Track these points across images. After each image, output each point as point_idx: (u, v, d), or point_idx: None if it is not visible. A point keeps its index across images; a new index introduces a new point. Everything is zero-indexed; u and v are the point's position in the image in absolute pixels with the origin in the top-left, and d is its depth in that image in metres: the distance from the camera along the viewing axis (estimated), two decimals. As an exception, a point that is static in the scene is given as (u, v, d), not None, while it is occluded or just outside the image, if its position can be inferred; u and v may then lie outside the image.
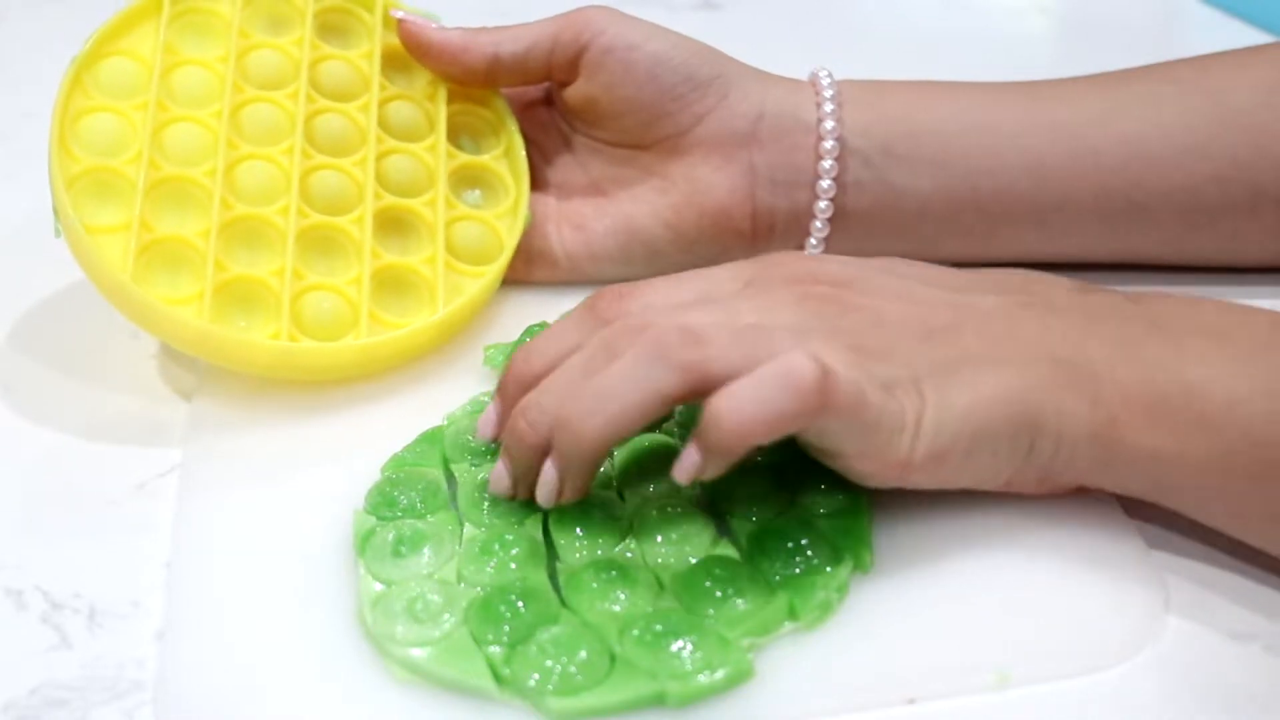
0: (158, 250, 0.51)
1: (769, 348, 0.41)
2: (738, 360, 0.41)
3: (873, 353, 0.43)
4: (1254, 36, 0.83)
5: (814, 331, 0.43)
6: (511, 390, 0.46)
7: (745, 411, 0.40)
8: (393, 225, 0.56)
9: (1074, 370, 0.44)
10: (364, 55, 0.58)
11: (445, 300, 0.54)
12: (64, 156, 0.51)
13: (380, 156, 0.56)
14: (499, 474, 0.46)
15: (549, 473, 0.44)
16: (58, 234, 0.51)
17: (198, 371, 0.54)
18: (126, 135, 0.53)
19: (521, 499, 0.46)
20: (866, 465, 0.43)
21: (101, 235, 0.51)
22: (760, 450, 0.49)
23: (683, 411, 0.49)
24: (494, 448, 0.49)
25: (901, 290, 0.46)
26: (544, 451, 0.44)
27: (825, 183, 0.57)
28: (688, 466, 0.41)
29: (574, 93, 0.58)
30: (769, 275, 0.46)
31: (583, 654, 0.41)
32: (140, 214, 0.51)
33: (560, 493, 0.44)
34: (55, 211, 0.51)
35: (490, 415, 0.47)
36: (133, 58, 0.55)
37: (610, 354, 0.43)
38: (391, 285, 0.54)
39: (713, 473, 0.42)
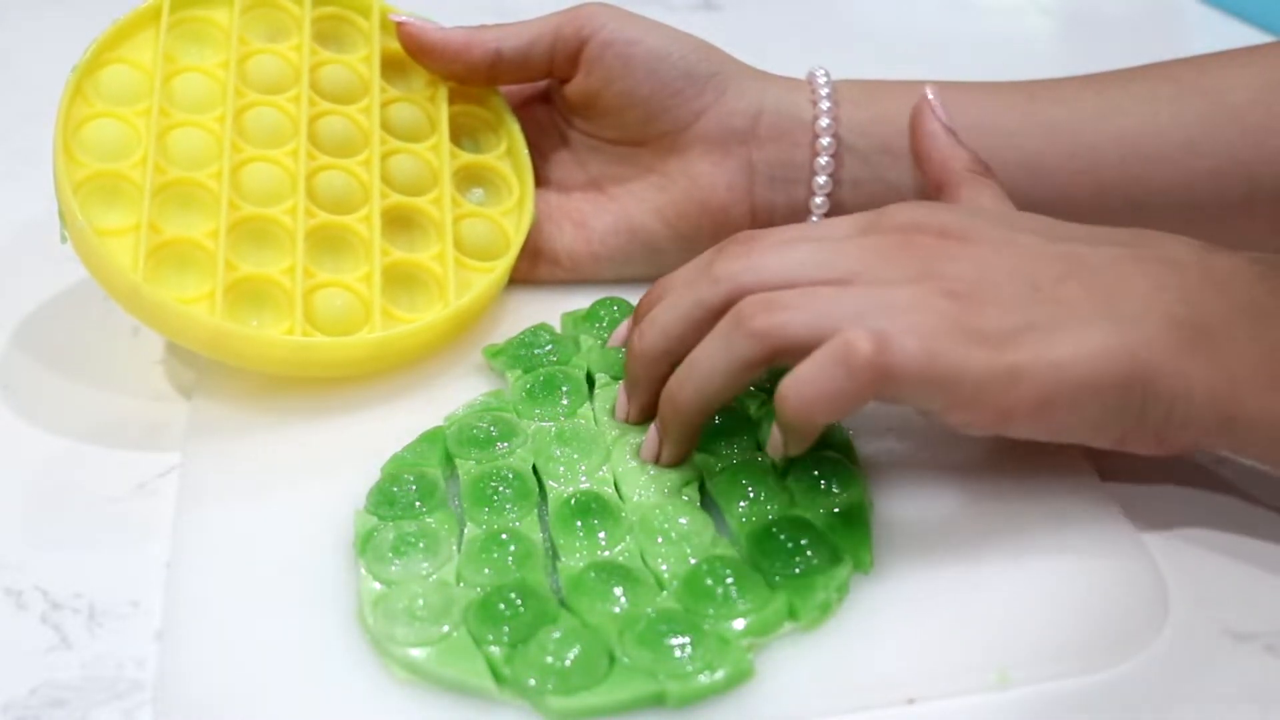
0: (167, 252, 0.51)
1: (842, 314, 0.42)
2: (811, 327, 0.43)
3: (971, 300, 0.43)
4: (1254, 36, 0.83)
5: (909, 282, 0.43)
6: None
7: (805, 394, 0.42)
8: (400, 223, 0.56)
9: (1190, 331, 0.43)
10: (363, 59, 0.58)
11: (456, 294, 0.54)
12: (69, 162, 0.51)
13: (384, 156, 0.56)
14: (620, 392, 0.50)
15: (651, 433, 0.48)
16: (64, 240, 0.51)
17: (198, 372, 0.54)
18: (130, 140, 0.53)
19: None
20: (958, 416, 0.43)
21: (110, 238, 0.51)
22: (760, 450, 0.49)
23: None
24: (495, 438, 0.49)
25: (1010, 239, 0.46)
26: (656, 369, 0.47)
27: (822, 179, 0.57)
28: (775, 444, 0.45)
29: (574, 88, 0.58)
30: (881, 223, 0.46)
31: (583, 654, 0.41)
32: (148, 216, 0.51)
33: (659, 454, 0.47)
34: (61, 217, 0.51)
35: (620, 332, 0.52)
36: (132, 65, 0.55)
37: (706, 309, 0.46)
38: (402, 281, 0.55)
39: (795, 449, 0.44)
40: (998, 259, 0.45)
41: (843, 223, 0.48)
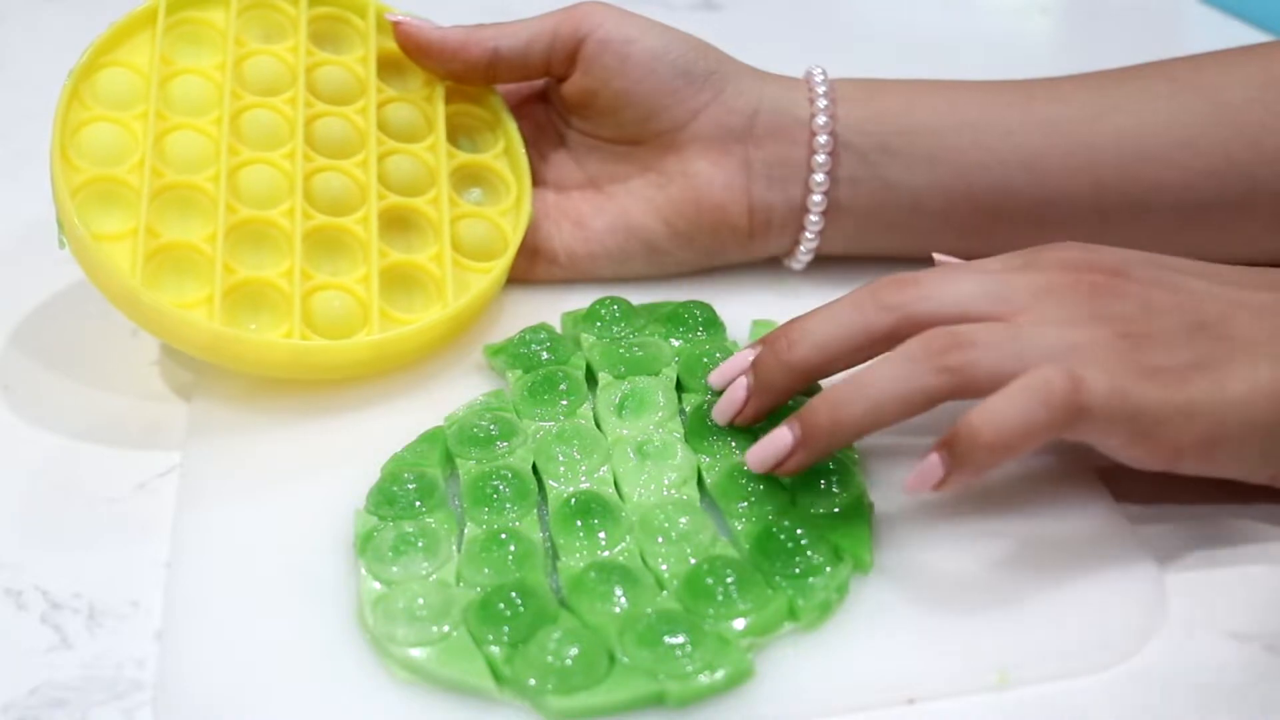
0: (165, 256, 0.51)
1: (1031, 353, 0.43)
2: (1000, 365, 0.42)
3: (1144, 339, 0.43)
4: (1254, 36, 0.83)
5: (1083, 321, 0.44)
6: (770, 366, 0.47)
7: (1003, 428, 0.41)
8: (397, 224, 0.56)
9: None
10: (359, 60, 0.58)
11: (455, 295, 0.54)
12: (67, 167, 0.51)
13: (381, 157, 0.56)
14: (735, 390, 0.48)
15: (783, 434, 0.45)
16: (61, 245, 0.51)
17: (197, 372, 0.54)
18: (127, 144, 0.53)
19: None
20: (1133, 452, 0.43)
21: (108, 243, 0.51)
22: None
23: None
24: (497, 436, 0.49)
25: (1174, 281, 0.46)
26: (798, 383, 0.47)
27: (819, 178, 0.57)
28: (929, 475, 0.43)
29: (571, 87, 0.58)
30: (1043, 259, 0.46)
31: (583, 654, 0.41)
32: (146, 220, 0.51)
33: (783, 463, 0.46)
34: (59, 223, 0.51)
35: (739, 391, 0.48)
36: (129, 68, 0.55)
37: (870, 334, 0.45)
38: (400, 283, 0.55)
39: (954, 486, 0.42)
40: (1163, 298, 0.45)
41: (1005, 258, 0.47)
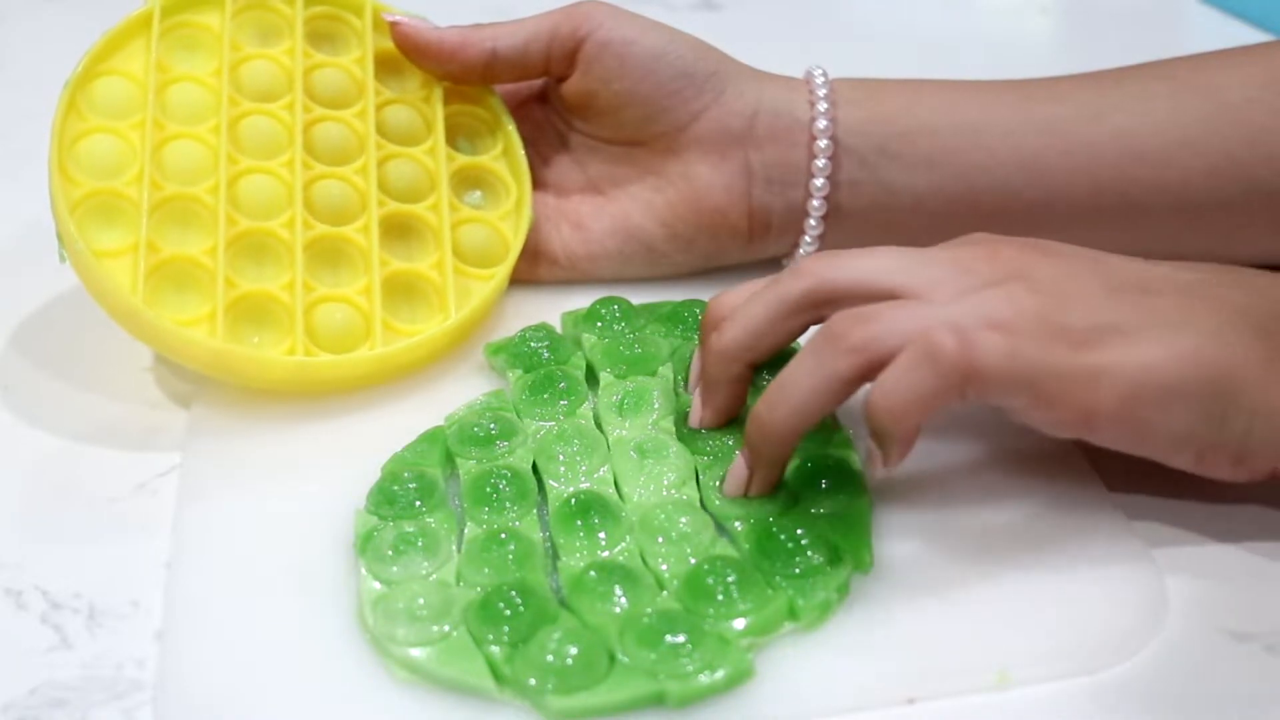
0: (165, 271, 0.51)
1: (935, 321, 0.42)
2: (905, 338, 0.42)
3: (1058, 299, 0.43)
4: (1254, 36, 0.83)
5: (994, 283, 0.43)
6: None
7: (894, 398, 0.42)
8: (397, 231, 0.56)
9: (1276, 351, 0.43)
10: (356, 61, 0.58)
11: (456, 305, 0.54)
12: (65, 182, 0.51)
13: (380, 162, 0.56)
14: (695, 405, 0.49)
15: (739, 464, 0.46)
16: (62, 259, 0.51)
17: (198, 373, 0.54)
18: (125, 156, 0.53)
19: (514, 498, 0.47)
20: (1041, 414, 0.42)
21: (108, 259, 0.50)
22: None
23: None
24: (497, 435, 0.49)
25: (1095, 256, 0.45)
26: (734, 366, 0.47)
27: (819, 181, 0.57)
28: (871, 457, 0.44)
29: (571, 87, 0.58)
30: (963, 242, 0.46)
31: (583, 654, 0.41)
32: (146, 235, 0.51)
33: (748, 485, 0.46)
34: (59, 237, 0.51)
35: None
36: (125, 76, 0.54)
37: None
38: (401, 292, 0.54)
39: (896, 460, 0.43)
40: (1087, 267, 0.44)
41: (935, 248, 0.47)
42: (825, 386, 0.43)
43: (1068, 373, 0.41)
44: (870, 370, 0.43)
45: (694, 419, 0.49)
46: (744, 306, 0.47)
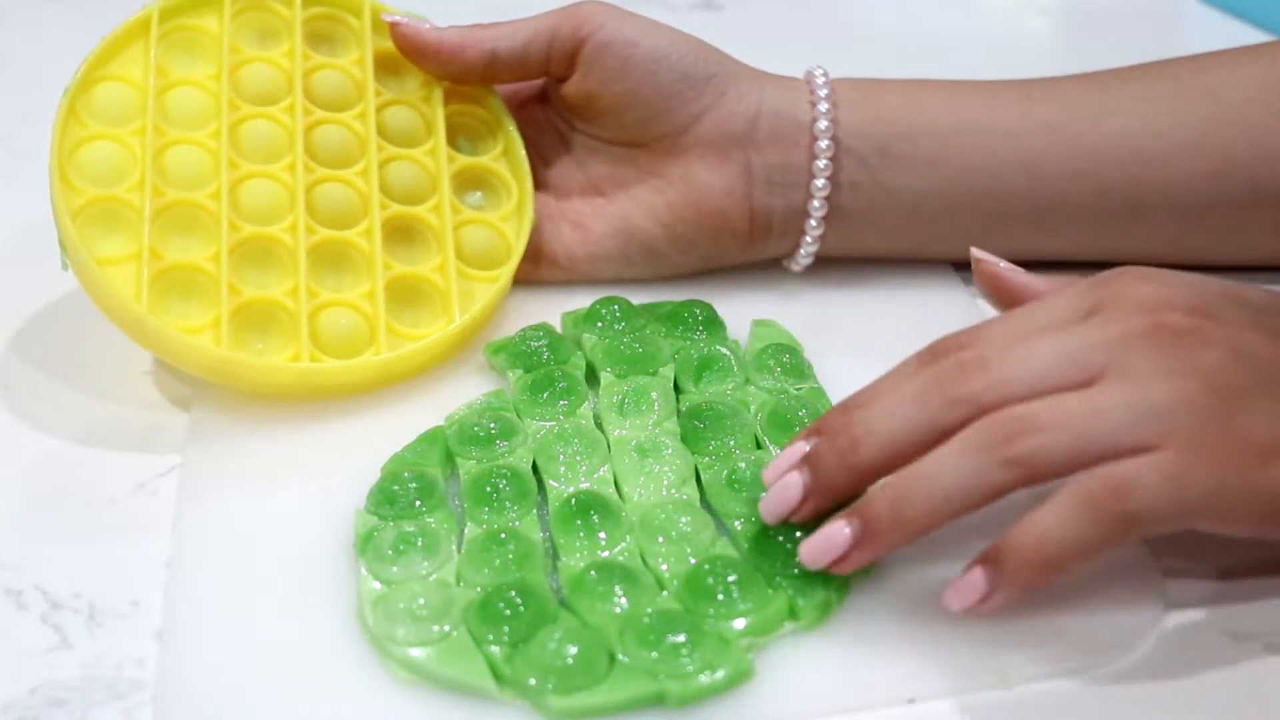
0: (169, 278, 0.51)
1: (1100, 431, 0.39)
2: (1069, 451, 0.39)
3: (1233, 392, 0.40)
4: (1254, 36, 0.83)
5: (1165, 375, 0.40)
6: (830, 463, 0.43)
7: (1050, 547, 0.39)
8: (400, 234, 0.56)
9: None
10: (355, 62, 0.58)
11: (460, 307, 0.54)
12: (67, 189, 0.51)
13: (382, 164, 0.56)
14: (789, 489, 0.43)
15: (841, 531, 0.42)
16: (65, 267, 0.51)
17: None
18: (126, 162, 0.53)
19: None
20: (1222, 528, 0.40)
21: (111, 267, 0.50)
22: (760, 448, 0.49)
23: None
24: (497, 435, 0.49)
25: (1257, 321, 0.42)
26: (863, 485, 0.42)
27: (820, 183, 0.57)
28: (968, 590, 0.40)
29: (571, 88, 0.58)
30: (1115, 298, 0.42)
31: (583, 654, 0.41)
32: (149, 242, 0.51)
33: (843, 560, 0.42)
34: (62, 245, 0.51)
35: (793, 491, 0.43)
36: (124, 82, 0.54)
37: (940, 429, 0.41)
38: (405, 296, 0.54)
39: (1000, 603, 0.40)
40: (1253, 341, 0.41)
41: (1068, 299, 0.43)
42: (977, 494, 0.40)
43: (1246, 493, 0.39)
44: (1029, 483, 0.40)
45: (777, 512, 0.44)
46: (885, 422, 0.42)
